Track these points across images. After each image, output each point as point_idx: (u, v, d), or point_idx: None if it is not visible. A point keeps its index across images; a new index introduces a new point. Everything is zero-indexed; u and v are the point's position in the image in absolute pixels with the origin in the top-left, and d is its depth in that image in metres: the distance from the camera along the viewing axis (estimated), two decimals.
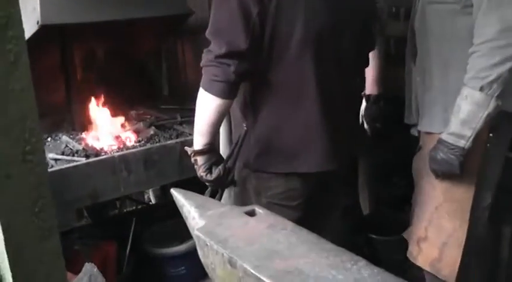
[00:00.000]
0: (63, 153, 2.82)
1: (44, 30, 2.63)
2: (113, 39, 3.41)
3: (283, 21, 1.90)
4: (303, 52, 1.94)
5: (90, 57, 3.39)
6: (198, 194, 1.87)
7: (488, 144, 2.13)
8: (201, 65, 1.93)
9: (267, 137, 2.05)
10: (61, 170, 2.56)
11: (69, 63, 3.24)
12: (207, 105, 1.95)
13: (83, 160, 2.69)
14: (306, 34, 1.92)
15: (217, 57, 1.87)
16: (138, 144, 2.92)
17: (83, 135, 3.11)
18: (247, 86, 2.03)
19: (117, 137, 2.99)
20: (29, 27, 2.63)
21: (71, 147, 2.88)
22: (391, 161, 3.44)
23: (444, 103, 2.17)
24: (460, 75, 2.01)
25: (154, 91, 3.78)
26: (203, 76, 1.93)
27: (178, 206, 1.83)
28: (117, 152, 2.79)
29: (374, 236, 3.20)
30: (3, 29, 0.82)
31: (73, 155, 2.78)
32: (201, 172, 2.07)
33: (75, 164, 2.63)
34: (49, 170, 2.57)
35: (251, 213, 1.70)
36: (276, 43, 1.92)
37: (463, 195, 2.20)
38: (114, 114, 3.23)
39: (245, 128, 2.04)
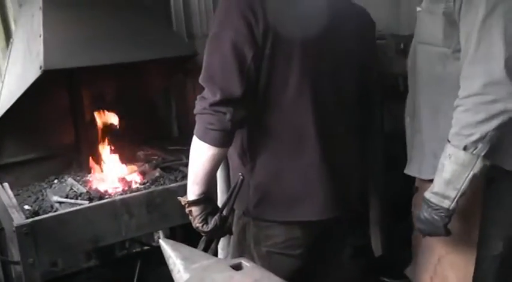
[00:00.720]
0: (67, 196, 2.85)
1: (49, 74, 2.67)
2: (122, 80, 3.45)
3: (279, 63, 1.86)
4: (300, 95, 1.91)
5: (98, 99, 3.42)
6: (186, 246, 1.85)
7: (490, 191, 2.04)
8: (195, 112, 1.88)
9: (266, 183, 1.99)
10: (63, 214, 2.57)
11: (78, 104, 3.29)
12: (201, 154, 1.89)
13: (86, 203, 2.71)
14: (303, 76, 1.89)
15: (211, 105, 1.81)
16: (142, 186, 2.93)
17: (89, 177, 3.13)
18: (244, 131, 1.98)
19: (123, 179, 3.00)
20: (33, 72, 2.67)
21: (76, 190, 2.91)
22: (404, 197, 3.35)
23: (433, 149, 2.06)
24: (450, 122, 1.90)
25: (163, 131, 3.80)
26: (197, 124, 1.89)
27: (165, 257, 1.82)
28: (120, 195, 2.80)
29: (386, 280, 3.12)
30: None
31: (77, 198, 2.81)
32: (196, 223, 2.00)
33: (77, 207, 2.65)
34: (52, 214, 2.62)
35: (237, 267, 1.67)
36: (272, 87, 1.88)
37: (466, 246, 2.12)
38: (122, 155, 3.25)
39: (241, 177, 1.97)
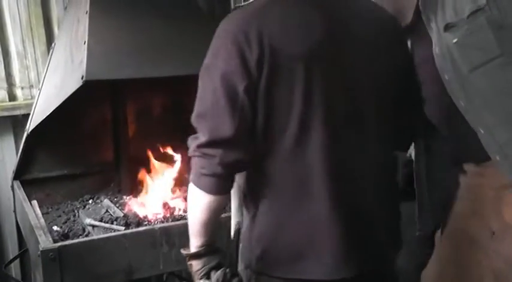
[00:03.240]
0: (101, 220, 2.78)
1: (92, 84, 2.59)
2: (171, 93, 3.36)
3: (279, 95, 1.66)
4: (306, 131, 1.69)
5: (142, 113, 3.33)
6: None
7: None
8: (188, 154, 1.75)
9: (269, 234, 1.79)
10: (95, 240, 2.47)
11: (120, 118, 3.22)
12: (196, 201, 1.76)
13: (122, 229, 2.61)
14: (308, 108, 1.67)
15: (199, 146, 1.67)
16: (186, 214, 2.79)
17: (128, 199, 3.05)
18: (242, 175, 1.82)
19: (165, 205, 2.89)
20: (74, 82, 2.61)
21: (112, 213, 2.84)
22: None
23: None
24: None
25: None
26: (191, 168, 1.75)
27: None
28: (161, 222, 2.70)
29: None
30: None
31: (112, 223, 2.72)
32: (197, 279, 1.85)
33: (111, 234, 2.56)
34: (83, 239, 2.54)
35: None
36: (271, 123, 1.69)
37: None
38: (166, 176, 3.14)
39: (237, 226, 1.87)
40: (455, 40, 1.97)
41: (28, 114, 3.17)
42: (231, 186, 1.76)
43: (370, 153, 1.80)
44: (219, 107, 1.63)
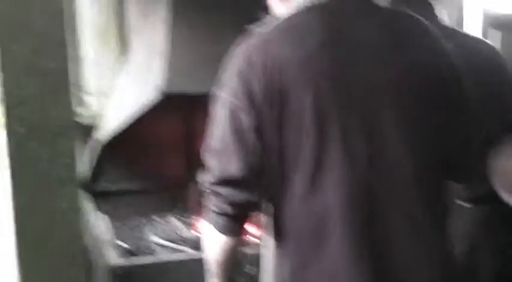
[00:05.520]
0: (169, 239, 2.78)
1: (168, 97, 2.58)
2: None
3: (290, 130, 1.56)
4: (321, 171, 1.57)
5: None
6: None
7: None
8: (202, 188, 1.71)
9: (293, 278, 1.68)
10: (162, 263, 2.48)
11: (195, 133, 3.19)
12: (210, 239, 1.72)
13: (191, 252, 2.60)
14: (321, 145, 1.55)
15: (209, 183, 1.62)
16: (257, 240, 2.74)
17: (197, 219, 3.01)
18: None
19: None
20: (151, 94, 2.63)
21: (180, 233, 2.80)
22: None
23: None
24: None
25: None
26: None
27: None
28: None
29: None
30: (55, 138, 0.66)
31: (180, 244, 2.69)
32: None
33: (179, 257, 2.57)
34: (154, 259, 2.56)
35: None
36: (283, 161, 1.59)
37: None
38: None
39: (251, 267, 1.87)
40: None
41: (99, 124, 3.19)
42: (241, 228, 1.70)
43: (400, 191, 1.62)
44: (226, 145, 1.57)
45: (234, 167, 1.56)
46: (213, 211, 1.64)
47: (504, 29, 4.87)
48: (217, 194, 1.60)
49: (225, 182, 1.58)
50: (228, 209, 1.61)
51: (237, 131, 1.55)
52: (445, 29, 2.22)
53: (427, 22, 1.73)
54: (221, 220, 1.64)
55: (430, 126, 1.65)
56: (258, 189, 1.62)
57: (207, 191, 1.64)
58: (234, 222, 1.65)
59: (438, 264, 1.67)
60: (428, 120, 1.64)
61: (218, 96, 1.63)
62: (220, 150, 1.59)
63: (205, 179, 1.64)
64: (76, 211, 0.85)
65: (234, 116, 1.56)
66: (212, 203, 1.64)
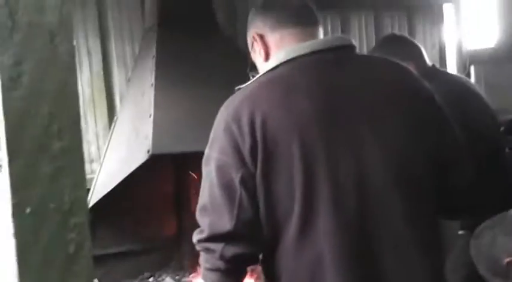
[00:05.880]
0: None
1: (156, 158, 2.63)
2: None
3: (278, 182, 1.58)
4: (312, 218, 1.58)
5: None
6: None
7: None
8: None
9: None
10: None
11: (183, 192, 3.24)
12: None
13: None
14: (310, 193, 1.57)
15: (200, 241, 1.64)
16: None
17: (191, 277, 3.02)
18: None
19: None
20: (140, 156, 2.64)
21: None
22: None
23: None
24: None
25: None
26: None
27: None
28: None
29: None
30: (66, 215, 0.72)
31: None
32: None
33: None
34: None
35: None
36: (273, 212, 1.60)
37: None
38: None
39: None
40: None
41: (88, 190, 3.22)
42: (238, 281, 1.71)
43: (396, 234, 1.63)
44: (216, 201, 1.59)
45: (225, 222, 1.58)
46: (206, 268, 1.65)
47: (485, 62, 5.17)
48: (208, 250, 1.62)
49: (216, 237, 1.60)
50: (221, 264, 1.62)
51: (227, 188, 1.57)
52: (430, 69, 2.58)
53: (404, 64, 1.81)
54: (214, 276, 1.65)
55: (418, 157, 1.66)
56: (249, 243, 1.63)
57: (200, 248, 1.65)
58: (227, 277, 1.66)
59: None
60: (415, 152, 1.66)
61: (207, 155, 1.65)
62: (211, 207, 1.61)
63: (196, 238, 1.66)
64: None
65: (223, 173, 1.57)
66: (204, 260, 1.65)
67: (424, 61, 2.58)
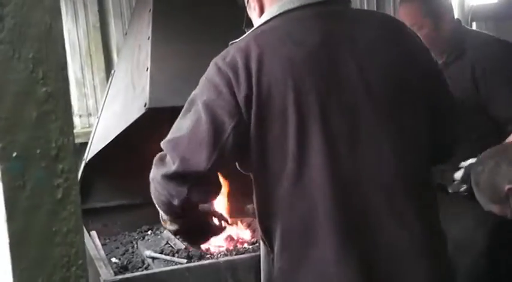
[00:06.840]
0: (162, 252, 2.80)
1: (153, 112, 2.62)
2: None
3: (271, 132, 1.59)
4: (304, 169, 1.58)
5: None
6: None
7: None
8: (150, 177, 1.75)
9: (282, 279, 1.71)
10: (157, 273, 2.48)
11: None
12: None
13: (183, 262, 2.61)
14: (304, 143, 1.58)
15: (164, 176, 1.64)
16: (251, 247, 2.78)
17: None
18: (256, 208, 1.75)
19: (228, 237, 2.87)
20: (137, 109, 2.64)
21: (172, 245, 2.84)
22: None
23: None
24: None
25: None
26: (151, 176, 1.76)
27: None
28: (225, 255, 2.68)
29: None
30: (53, 161, 0.72)
31: (173, 255, 2.73)
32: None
33: (174, 267, 2.57)
34: (145, 272, 2.56)
35: None
36: (266, 162, 1.61)
37: None
38: (229, 208, 3.12)
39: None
40: None
41: (86, 143, 3.24)
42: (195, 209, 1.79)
43: (388, 181, 1.63)
44: (197, 137, 1.58)
45: (199, 160, 1.57)
46: (159, 205, 1.75)
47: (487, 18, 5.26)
48: (169, 191, 1.64)
49: (184, 175, 1.59)
50: (176, 209, 1.69)
51: (216, 126, 1.56)
52: None
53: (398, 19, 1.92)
54: (166, 209, 1.74)
55: (417, 116, 1.69)
56: (212, 192, 1.71)
57: (157, 181, 1.67)
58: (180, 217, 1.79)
59: (429, 261, 1.66)
60: (414, 111, 1.69)
61: (195, 97, 1.65)
62: (188, 141, 1.60)
63: (159, 169, 1.66)
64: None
65: (213, 112, 1.57)
66: (156, 196, 1.73)
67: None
